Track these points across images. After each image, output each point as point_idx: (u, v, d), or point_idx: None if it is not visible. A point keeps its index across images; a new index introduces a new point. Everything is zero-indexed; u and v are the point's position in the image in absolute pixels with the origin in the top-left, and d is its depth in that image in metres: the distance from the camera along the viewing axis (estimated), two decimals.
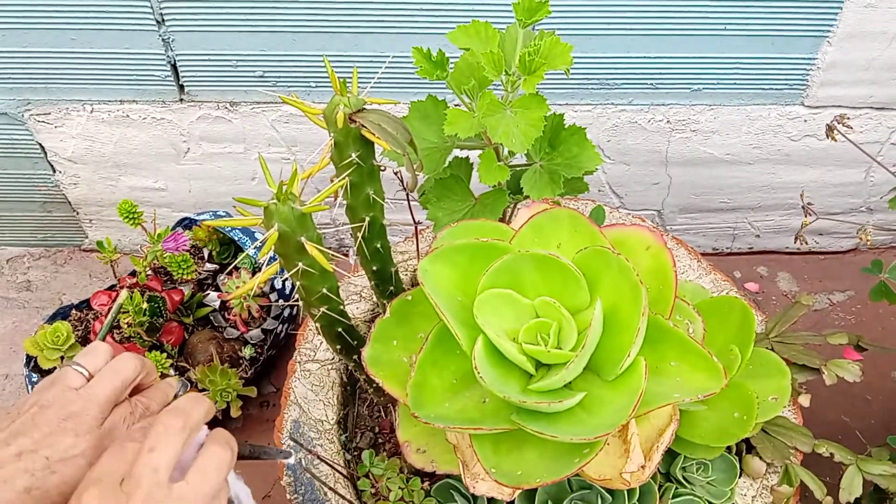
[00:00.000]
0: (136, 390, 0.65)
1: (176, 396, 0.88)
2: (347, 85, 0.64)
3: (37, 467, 0.54)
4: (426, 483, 0.76)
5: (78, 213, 1.30)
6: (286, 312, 1.17)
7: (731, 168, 1.22)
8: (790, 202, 1.28)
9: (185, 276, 1.08)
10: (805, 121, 1.14)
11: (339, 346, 0.76)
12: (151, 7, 0.99)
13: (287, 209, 0.59)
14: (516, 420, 0.60)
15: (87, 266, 1.36)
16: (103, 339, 0.76)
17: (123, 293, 0.75)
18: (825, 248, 1.38)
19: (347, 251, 1.29)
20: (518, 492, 0.75)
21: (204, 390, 1.06)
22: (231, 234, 1.14)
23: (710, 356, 0.62)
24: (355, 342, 0.76)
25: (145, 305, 1.03)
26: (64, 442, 0.55)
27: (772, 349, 0.86)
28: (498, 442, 0.63)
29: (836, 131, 0.76)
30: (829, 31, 1.03)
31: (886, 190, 1.23)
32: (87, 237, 1.35)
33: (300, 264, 0.63)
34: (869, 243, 0.76)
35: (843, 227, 1.33)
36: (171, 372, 1.07)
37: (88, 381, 0.60)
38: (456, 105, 0.76)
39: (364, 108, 0.64)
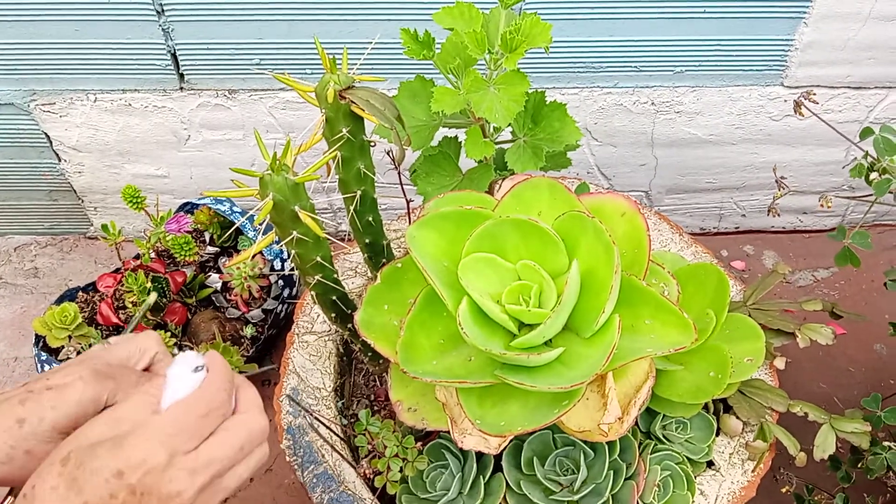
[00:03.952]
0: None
1: None
2: (337, 63, 0.68)
3: (34, 388, 0.56)
4: (418, 444, 0.80)
5: (83, 201, 1.34)
6: (286, 293, 1.21)
7: (715, 148, 1.26)
8: (773, 182, 1.31)
9: (187, 258, 1.12)
10: (785, 101, 1.18)
11: (333, 314, 0.80)
12: None
13: (281, 179, 0.63)
14: (499, 374, 0.64)
15: (93, 253, 1.40)
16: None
17: (153, 296, 0.81)
18: (809, 226, 1.42)
19: (344, 237, 1.33)
20: (506, 449, 0.79)
21: None
22: (231, 217, 1.19)
23: (681, 313, 0.66)
24: (349, 310, 0.80)
25: (149, 285, 1.07)
26: (64, 370, 0.58)
27: (750, 316, 0.90)
28: (483, 396, 0.67)
29: (802, 107, 0.80)
30: (805, 12, 1.06)
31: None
32: (91, 225, 1.39)
33: (294, 233, 0.67)
34: (830, 208, 0.80)
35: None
36: (175, 350, 1.12)
37: None
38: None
39: (353, 86, 0.68)
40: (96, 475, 0.49)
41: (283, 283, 1.20)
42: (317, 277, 0.74)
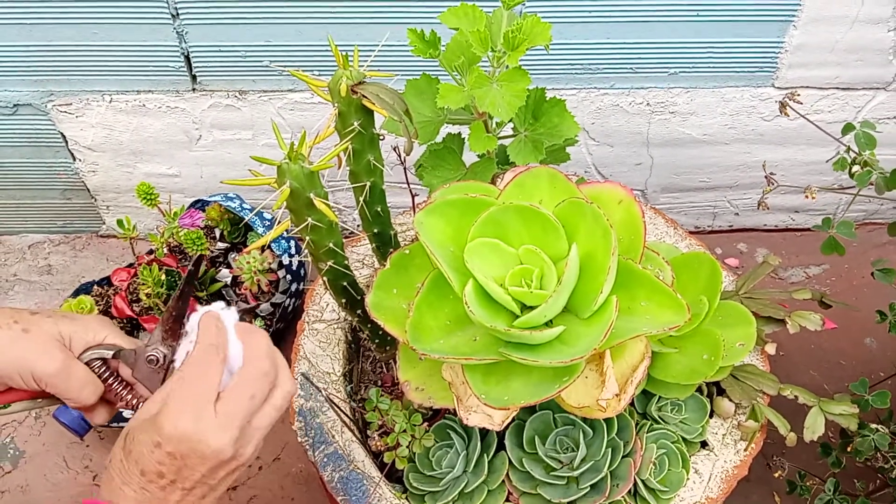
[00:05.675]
0: None
1: None
2: (349, 60, 0.72)
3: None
4: (425, 424, 0.84)
5: (96, 200, 1.38)
6: (293, 287, 1.25)
7: (709, 148, 1.30)
8: (764, 179, 1.36)
9: (198, 253, 1.16)
10: (776, 101, 1.22)
11: (344, 300, 0.84)
12: (167, 2, 1.08)
13: (297, 167, 0.67)
14: (504, 351, 0.68)
15: (105, 251, 1.44)
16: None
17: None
18: (801, 224, 1.46)
19: (349, 234, 1.36)
20: (508, 428, 0.83)
21: None
22: (241, 213, 1.22)
23: (675, 294, 0.70)
24: (359, 296, 0.84)
25: (163, 278, 1.11)
26: None
27: (741, 304, 0.93)
28: (487, 373, 0.71)
29: (787, 107, 0.84)
30: (794, 15, 1.11)
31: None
32: (104, 223, 1.43)
33: (309, 219, 0.71)
34: (814, 199, 0.84)
35: (818, 205, 1.41)
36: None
37: None
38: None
39: (364, 81, 0.72)
40: (142, 447, 0.58)
41: (290, 278, 1.24)
42: (329, 263, 0.77)
